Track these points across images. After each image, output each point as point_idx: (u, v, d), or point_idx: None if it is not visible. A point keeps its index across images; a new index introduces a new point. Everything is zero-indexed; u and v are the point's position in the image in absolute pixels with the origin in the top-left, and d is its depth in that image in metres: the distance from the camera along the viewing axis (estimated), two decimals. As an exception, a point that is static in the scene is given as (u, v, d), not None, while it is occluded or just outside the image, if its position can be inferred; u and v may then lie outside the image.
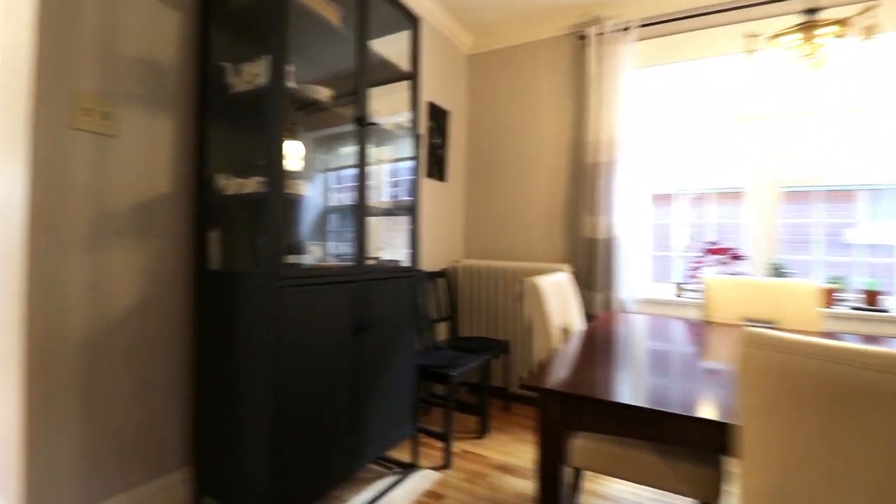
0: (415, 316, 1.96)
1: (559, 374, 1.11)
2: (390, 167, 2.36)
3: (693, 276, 2.55)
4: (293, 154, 1.75)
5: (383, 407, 1.75)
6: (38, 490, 1.21)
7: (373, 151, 2.00)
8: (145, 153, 1.44)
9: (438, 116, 2.94)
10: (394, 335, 1.82)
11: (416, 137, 2.00)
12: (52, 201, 1.23)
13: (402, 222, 2.06)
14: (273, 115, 1.32)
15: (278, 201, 1.31)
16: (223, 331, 1.44)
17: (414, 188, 1.99)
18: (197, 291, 1.52)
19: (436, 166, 2.94)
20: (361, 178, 1.66)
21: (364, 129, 1.67)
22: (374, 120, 1.76)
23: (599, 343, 1.46)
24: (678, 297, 2.53)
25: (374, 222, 2.11)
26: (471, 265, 2.94)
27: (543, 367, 1.16)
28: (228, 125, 1.62)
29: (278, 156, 1.31)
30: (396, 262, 1.95)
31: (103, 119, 1.33)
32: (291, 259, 1.60)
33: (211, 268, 1.51)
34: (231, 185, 1.50)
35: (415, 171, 2.00)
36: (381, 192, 2.39)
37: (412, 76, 1.99)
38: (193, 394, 1.57)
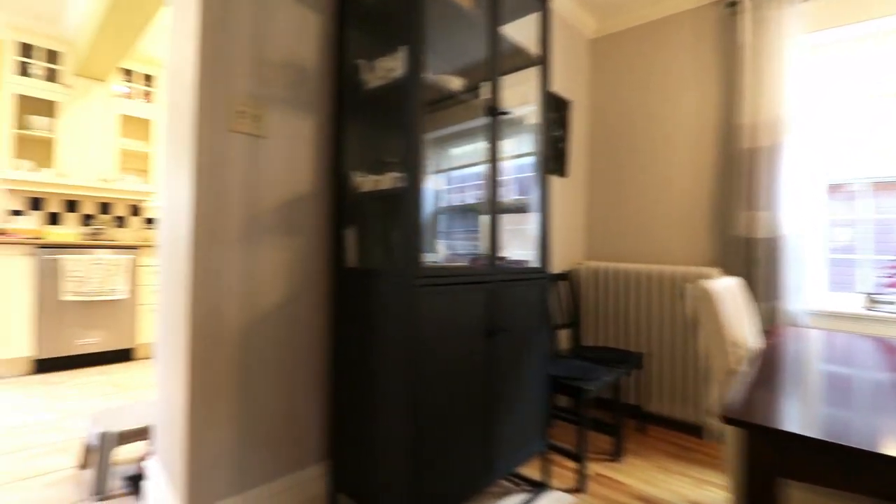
0: (546, 321, 1.80)
1: (763, 405, 0.88)
2: (509, 162, 2.23)
3: (892, 286, 2.04)
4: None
5: (515, 419, 1.62)
6: (199, 476, 1.28)
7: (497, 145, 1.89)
8: (289, 153, 1.48)
9: (559, 107, 2.74)
10: (525, 342, 1.68)
11: (544, 129, 1.85)
12: (213, 201, 1.30)
13: (519, 220, 1.92)
14: (411, 106, 1.26)
15: (416, 197, 1.25)
16: (359, 328, 1.42)
17: (542, 183, 1.83)
18: (334, 288, 1.53)
19: (556, 161, 2.74)
20: (493, 173, 1.54)
21: (496, 121, 1.56)
22: (505, 110, 1.64)
23: (793, 365, 1.17)
24: (869, 310, 2.04)
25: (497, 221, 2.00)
26: (595, 267, 2.69)
27: (738, 395, 0.93)
28: (362, 123, 1.61)
29: (416, 149, 1.25)
30: (524, 262, 1.81)
31: (255, 121, 1.38)
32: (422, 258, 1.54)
33: (347, 265, 1.51)
34: (366, 182, 1.49)
35: (542, 164, 1.85)
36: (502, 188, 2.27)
37: (541, 62, 1.84)
38: (330, 389, 1.58)
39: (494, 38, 1.56)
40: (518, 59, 1.82)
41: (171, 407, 1.39)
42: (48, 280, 3.17)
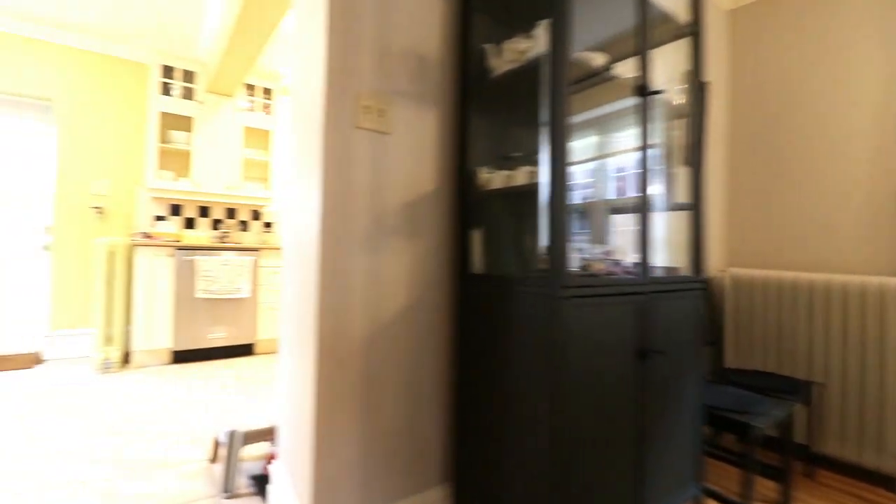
0: (700, 340, 1.51)
1: None
2: (634, 153, 1.94)
3: None
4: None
5: (667, 456, 1.36)
6: (325, 489, 1.21)
7: (619, 136, 1.63)
8: (412, 150, 1.38)
9: (693, 90, 2.37)
10: (679, 365, 1.41)
11: (697, 111, 1.56)
12: (340, 202, 1.23)
13: (640, 221, 1.63)
14: (556, 85, 1.07)
15: (561, 194, 1.06)
16: (487, 341, 1.27)
17: (697, 175, 1.55)
18: (457, 296, 1.40)
19: (688, 151, 2.38)
20: (644, 164, 1.31)
21: (647, 102, 1.32)
22: (658, 89, 1.39)
23: None
24: None
25: (619, 220, 1.74)
26: (744, 276, 2.28)
27: None
28: (487, 114, 1.47)
29: (561, 136, 1.07)
30: (674, 269, 1.54)
31: (379, 116, 1.30)
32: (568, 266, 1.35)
33: (472, 271, 1.37)
34: (494, 178, 1.33)
35: (697, 153, 1.56)
36: (626, 183, 1.99)
37: (693, 31, 1.55)
38: (453, 405, 1.45)
39: (644, 4, 1.32)
40: (663, 31, 1.55)
41: (296, 413, 1.35)
42: (185, 279, 3.49)
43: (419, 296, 1.39)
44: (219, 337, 3.63)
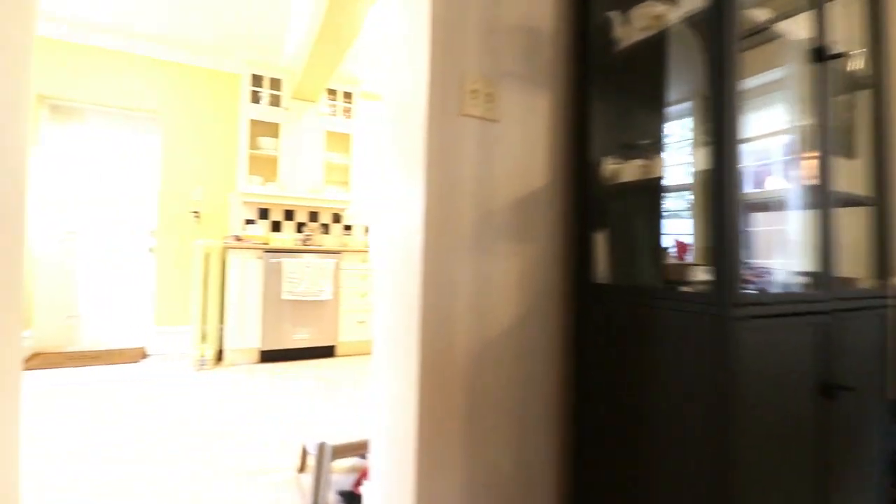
0: (886, 370, 1.19)
1: None
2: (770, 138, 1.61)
3: None
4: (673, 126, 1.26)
5: (853, 521, 1.06)
6: (427, 528, 1.06)
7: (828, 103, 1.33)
8: (522, 139, 1.20)
9: (875, 54, 1.97)
10: (865, 403, 1.10)
11: (880, 81, 1.23)
12: (445, 199, 1.08)
13: (770, 220, 1.31)
14: (726, 43, 0.84)
15: (731, 184, 0.83)
16: (616, 365, 1.06)
17: (881, 163, 1.22)
18: (575, 309, 1.20)
19: (839, 137, 1.97)
20: (824, 144, 1.03)
21: (825, 68, 1.03)
22: (838, 52, 1.10)
23: None
24: None
25: (762, 218, 1.43)
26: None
27: None
28: (612, 95, 1.25)
29: (731, 109, 0.83)
30: (851, 280, 1.22)
31: (487, 102, 1.14)
32: (704, 275, 1.10)
33: (596, 280, 1.16)
34: (626, 170, 1.12)
35: (884, 134, 1.23)
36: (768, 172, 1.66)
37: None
38: (568, 437, 1.25)
39: (821, -54, 1.05)
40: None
41: (392, 434, 1.22)
42: (272, 280, 3.58)
43: (530, 307, 1.21)
44: (302, 338, 3.69)
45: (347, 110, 4.31)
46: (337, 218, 4.49)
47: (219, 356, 3.64)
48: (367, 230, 4.61)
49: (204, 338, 3.52)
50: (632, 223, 1.20)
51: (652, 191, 1.10)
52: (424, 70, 1.07)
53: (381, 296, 1.34)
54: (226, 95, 4.09)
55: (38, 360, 3.37)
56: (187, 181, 3.95)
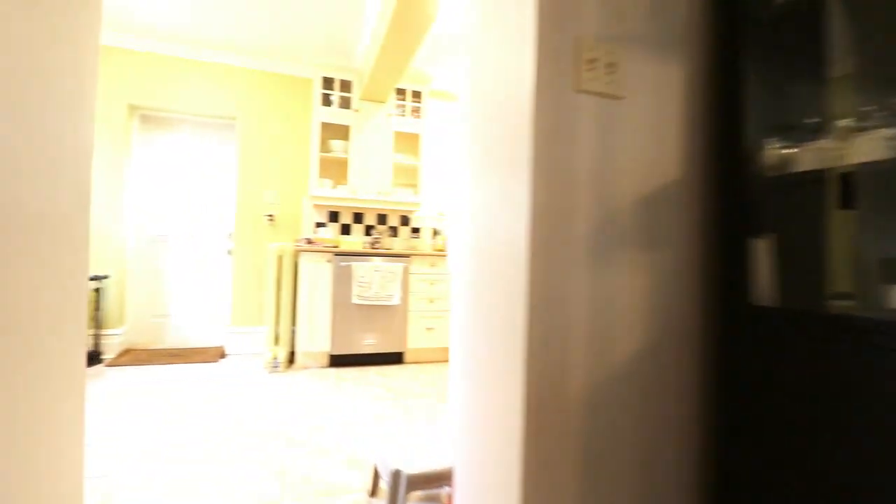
0: None
1: None
2: None
3: None
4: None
5: None
6: None
7: None
8: (652, 120, 0.95)
9: None
10: None
11: None
12: (554, 197, 0.86)
13: None
14: None
15: None
16: (797, 421, 0.78)
17: None
18: (725, 338, 0.93)
19: None
20: None
21: None
22: None
23: None
24: None
25: None
26: None
27: None
28: (775, 57, 0.96)
29: None
30: None
31: (608, 74, 0.90)
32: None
33: (756, 302, 0.88)
34: (803, 156, 0.83)
35: None
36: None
37: None
38: (708, 489, 0.98)
39: None
40: None
41: (485, 478, 1.02)
42: (341, 284, 3.53)
43: (662, 334, 0.95)
44: (371, 343, 3.61)
45: (416, 110, 4.20)
46: (405, 220, 4.39)
47: (291, 358, 3.65)
48: (434, 233, 4.47)
49: (277, 340, 3.54)
50: (815, 227, 0.90)
51: (850, 182, 0.81)
52: (530, 36, 0.85)
53: (464, 310, 1.14)
54: (298, 99, 4.13)
55: (128, 357, 3.56)
56: (262, 185, 4.03)
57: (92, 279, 3.45)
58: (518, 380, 0.85)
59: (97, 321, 3.51)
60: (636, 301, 0.93)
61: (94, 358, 3.41)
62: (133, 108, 3.77)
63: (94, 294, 3.50)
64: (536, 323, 0.84)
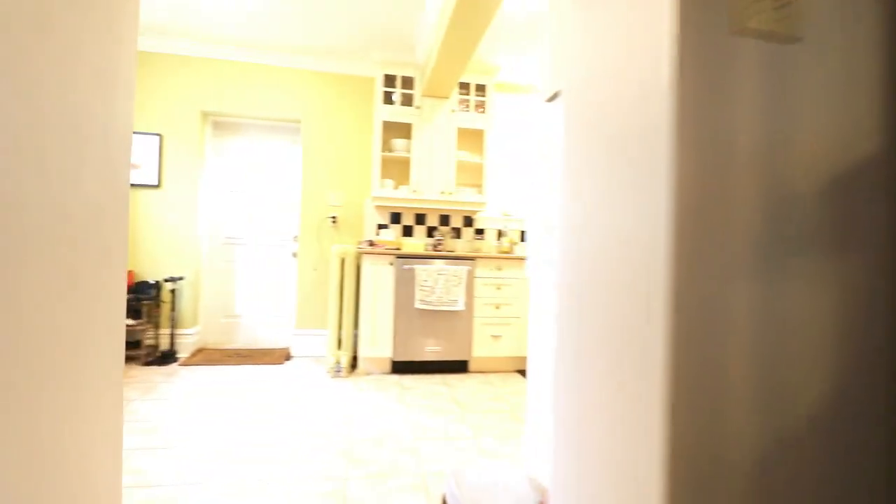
0: None
1: None
2: None
3: None
4: None
5: None
6: None
7: None
8: (839, 70, 0.68)
9: None
10: None
11: None
12: (706, 177, 0.62)
13: None
14: None
15: None
16: None
17: None
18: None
19: None
20: None
21: None
22: None
23: None
24: None
25: None
26: None
27: None
28: None
29: None
30: None
31: (778, 7, 0.64)
32: None
33: None
34: None
35: None
36: None
37: None
38: None
39: None
40: None
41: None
42: (403, 288, 3.40)
43: (857, 371, 0.67)
44: (434, 350, 3.45)
45: (480, 105, 4.00)
46: (468, 221, 4.20)
47: (353, 363, 3.58)
48: (499, 234, 4.24)
49: (339, 344, 3.48)
50: None
51: None
52: (668, -40, 0.62)
53: (562, 328, 0.91)
54: (360, 99, 4.08)
55: (200, 357, 3.66)
56: (326, 187, 4.01)
57: (168, 280, 3.58)
58: (656, 433, 0.61)
59: (173, 321, 3.63)
60: (819, 325, 0.66)
61: (169, 357, 3.53)
62: (205, 115, 3.89)
63: (170, 295, 3.64)
64: (683, 355, 0.60)
